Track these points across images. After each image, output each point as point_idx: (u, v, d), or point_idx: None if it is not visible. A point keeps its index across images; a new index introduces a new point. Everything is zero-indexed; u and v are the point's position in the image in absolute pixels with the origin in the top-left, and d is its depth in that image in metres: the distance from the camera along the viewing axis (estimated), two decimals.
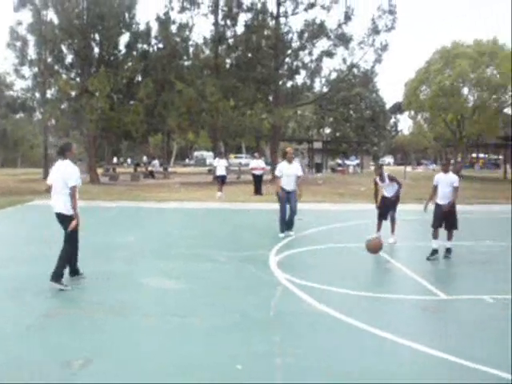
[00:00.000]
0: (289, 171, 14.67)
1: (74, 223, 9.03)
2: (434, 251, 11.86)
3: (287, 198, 14.74)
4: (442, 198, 11.93)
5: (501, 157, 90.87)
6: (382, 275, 10.85)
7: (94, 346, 6.43)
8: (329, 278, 9.91)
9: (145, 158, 56.30)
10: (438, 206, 12.04)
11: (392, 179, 13.79)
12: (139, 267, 10.77)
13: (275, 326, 7.25)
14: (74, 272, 9.64)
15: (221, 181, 27.36)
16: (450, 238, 12.12)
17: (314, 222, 17.60)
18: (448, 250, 12.06)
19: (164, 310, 7.88)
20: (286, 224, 14.86)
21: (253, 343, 6.58)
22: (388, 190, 13.84)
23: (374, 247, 11.59)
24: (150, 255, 12.06)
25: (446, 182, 11.99)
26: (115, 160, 74.86)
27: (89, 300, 8.40)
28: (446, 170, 12.24)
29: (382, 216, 13.96)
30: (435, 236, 11.99)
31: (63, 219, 9.14)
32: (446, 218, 11.94)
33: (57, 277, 8.90)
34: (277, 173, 15.04)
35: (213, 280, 9.81)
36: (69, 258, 9.29)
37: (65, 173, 9.12)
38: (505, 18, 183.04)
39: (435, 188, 12.20)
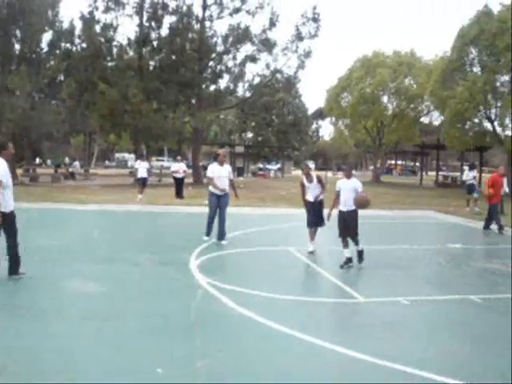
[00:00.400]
0: (220, 173, 14.53)
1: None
2: (348, 260, 11.66)
3: (217, 203, 14.54)
4: (345, 205, 11.81)
5: (417, 164, 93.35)
6: (302, 279, 11.04)
7: (10, 352, 6.30)
8: (249, 281, 10.03)
9: (67, 159, 55.37)
10: (341, 213, 11.92)
11: (320, 181, 13.59)
12: (58, 270, 10.60)
13: (196, 329, 7.29)
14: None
15: (142, 183, 27.20)
16: (356, 243, 11.90)
17: (234, 226, 17.62)
18: (360, 254, 11.87)
19: (84, 314, 7.78)
20: (218, 234, 14.50)
21: (173, 347, 6.60)
22: (312, 193, 13.51)
23: (361, 202, 11.76)
24: (70, 258, 11.86)
25: (348, 188, 11.79)
26: (37, 161, 73.34)
27: (6, 303, 8.24)
28: (348, 176, 12.01)
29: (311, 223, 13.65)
30: (345, 245, 11.80)
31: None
32: (347, 224, 11.78)
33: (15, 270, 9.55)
34: (209, 174, 14.79)
35: (133, 283, 9.79)
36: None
37: None
38: (421, 31, 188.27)
39: (338, 194, 11.97)
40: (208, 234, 14.64)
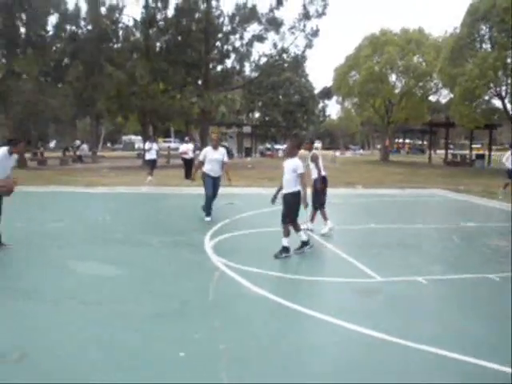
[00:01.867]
0: (213, 156, 14.55)
1: None
2: (284, 249, 10.45)
3: (213, 184, 14.72)
4: (285, 187, 10.64)
5: (425, 142, 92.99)
6: (318, 259, 10.89)
7: (29, 338, 6.21)
8: (264, 262, 9.92)
9: (78, 142, 55.23)
10: (283, 196, 10.80)
11: (313, 160, 13.10)
12: (72, 253, 10.52)
13: (215, 311, 7.21)
14: None
15: (151, 165, 27.10)
16: (296, 229, 10.77)
17: (245, 206, 17.64)
18: (302, 244, 10.78)
19: (100, 298, 7.70)
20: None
21: (193, 330, 6.51)
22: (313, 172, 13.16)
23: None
24: (83, 241, 11.80)
25: (288, 168, 10.56)
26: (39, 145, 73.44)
27: (22, 288, 8.11)
28: (289, 155, 10.73)
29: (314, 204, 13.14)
30: (285, 232, 10.50)
31: None
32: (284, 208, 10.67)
33: None
34: (200, 157, 14.99)
35: (148, 266, 9.69)
36: None
37: None
38: (430, 7, 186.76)
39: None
40: (209, 214, 14.73)
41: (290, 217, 10.51)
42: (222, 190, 21.84)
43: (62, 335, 6.33)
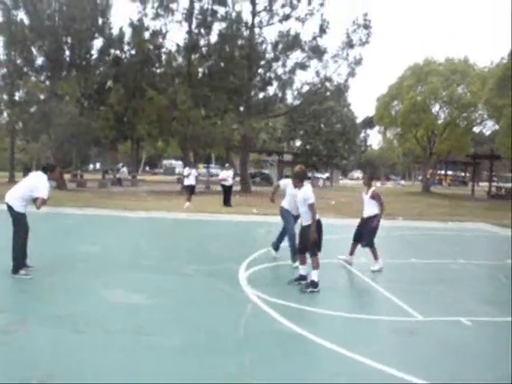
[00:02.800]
0: (293, 191, 11.42)
1: None
2: (301, 277, 10.42)
3: (292, 219, 12.39)
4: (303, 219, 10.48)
5: (468, 174, 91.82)
6: (356, 294, 10.48)
7: (55, 365, 5.99)
8: (301, 296, 9.55)
9: (120, 165, 55.50)
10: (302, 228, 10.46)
11: (373, 197, 12.48)
12: (103, 279, 10.28)
13: (245, 347, 6.86)
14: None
15: (190, 191, 26.94)
16: (303, 261, 10.52)
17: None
18: (313, 284, 10.03)
19: (127, 327, 7.43)
20: (276, 241, 13.17)
21: (222, 366, 6.17)
22: (365, 207, 12.66)
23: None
24: (114, 267, 11.56)
25: (299, 198, 10.45)
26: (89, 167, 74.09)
27: (48, 314, 7.90)
28: (296, 185, 10.62)
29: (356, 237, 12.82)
30: (315, 266, 10.09)
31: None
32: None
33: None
34: (280, 183, 13.07)
35: (179, 295, 9.39)
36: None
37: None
38: (476, 37, 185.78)
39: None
40: (294, 259, 12.01)
41: (310, 249, 10.20)
42: (258, 218, 21.56)
43: (84, 365, 6.09)
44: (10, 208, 10.15)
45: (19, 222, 10.16)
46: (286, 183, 12.40)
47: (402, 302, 9.31)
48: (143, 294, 9.22)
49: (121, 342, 6.89)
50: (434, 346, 7.22)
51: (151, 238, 16.34)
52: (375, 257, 12.40)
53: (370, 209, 12.50)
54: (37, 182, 10.14)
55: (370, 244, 12.48)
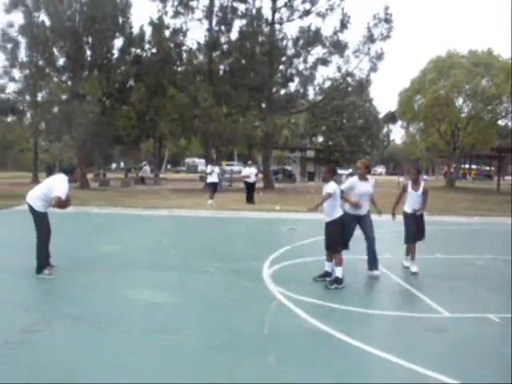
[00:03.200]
0: (362, 188, 10.97)
1: None
2: (338, 280, 9.93)
3: (353, 225, 10.96)
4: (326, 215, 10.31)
5: (493, 168, 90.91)
6: (381, 291, 10.32)
7: (78, 366, 5.94)
8: (325, 292, 9.44)
9: (144, 163, 55.52)
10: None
11: (425, 193, 11.78)
12: (126, 278, 10.28)
13: (270, 345, 6.76)
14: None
15: (213, 188, 26.89)
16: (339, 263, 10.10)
17: (307, 232, 17.09)
18: (337, 281, 9.95)
19: (151, 327, 7.36)
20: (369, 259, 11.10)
21: (248, 365, 6.10)
22: (411, 203, 11.77)
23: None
24: (137, 265, 11.52)
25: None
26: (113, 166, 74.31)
27: (71, 314, 7.86)
28: (325, 180, 10.47)
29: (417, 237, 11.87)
30: (337, 262, 10.05)
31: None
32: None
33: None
34: (344, 187, 10.94)
35: (203, 293, 9.32)
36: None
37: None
38: (500, 29, 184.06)
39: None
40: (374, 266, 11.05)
41: (327, 244, 10.24)
42: (282, 215, 21.43)
43: (106, 364, 6.03)
44: (30, 207, 10.23)
45: (40, 221, 10.22)
46: (352, 183, 11.00)
47: (428, 298, 9.15)
48: (167, 293, 9.17)
49: (145, 341, 6.82)
50: (462, 344, 7.08)
51: (174, 237, 16.28)
52: (413, 256, 11.68)
53: (419, 204, 11.74)
54: (55, 183, 10.22)
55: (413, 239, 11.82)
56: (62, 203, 10.07)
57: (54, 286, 9.60)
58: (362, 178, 11.09)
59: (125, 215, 21.68)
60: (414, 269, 11.51)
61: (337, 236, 10.05)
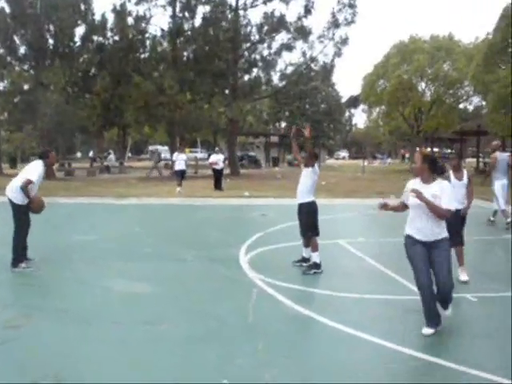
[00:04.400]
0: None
1: None
2: (316, 265, 10.00)
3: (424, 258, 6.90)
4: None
5: (453, 151, 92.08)
6: (358, 274, 10.38)
7: (64, 361, 5.86)
8: (304, 278, 9.51)
9: (110, 152, 55.06)
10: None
11: (470, 181, 10.04)
12: (103, 269, 10.19)
13: (256, 332, 6.80)
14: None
15: (180, 175, 26.81)
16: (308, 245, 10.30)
17: (278, 218, 17.14)
18: (315, 266, 10.01)
19: (134, 318, 7.33)
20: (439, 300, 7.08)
21: (235, 353, 6.11)
22: (457, 196, 9.17)
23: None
24: (114, 256, 11.46)
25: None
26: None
27: (53, 307, 7.79)
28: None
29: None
30: (313, 248, 10.07)
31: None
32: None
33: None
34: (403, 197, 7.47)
35: (183, 282, 9.32)
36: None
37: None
38: (461, 13, 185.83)
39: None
40: (430, 322, 6.99)
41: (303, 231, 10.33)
42: (251, 201, 21.46)
43: (94, 357, 5.99)
44: (10, 201, 10.03)
45: (20, 214, 10.01)
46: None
47: (405, 280, 9.21)
48: (147, 283, 9.14)
49: (132, 332, 6.79)
50: (442, 324, 7.19)
51: (146, 225, 16.20)
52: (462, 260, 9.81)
53: (463, 197, 9.87)
54: (28, 168, 10.16)
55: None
56: (29, 193, 9.81)
57: (31, 279, 9.44)
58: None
59: (94, 205, 21.52)
60: (464, 277, 9.55)
61: (307, 221, 10.14)
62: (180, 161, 27.09)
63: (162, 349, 6.24)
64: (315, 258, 9.97)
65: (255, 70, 45.20)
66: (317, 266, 9.93)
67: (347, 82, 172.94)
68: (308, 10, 41.44)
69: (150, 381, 5.39)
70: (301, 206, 10.27)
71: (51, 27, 39.75)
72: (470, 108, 64.72)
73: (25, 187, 9.72)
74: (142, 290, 8.75)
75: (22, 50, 40.73)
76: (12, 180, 10.27)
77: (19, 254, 9.98)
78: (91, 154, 58.82)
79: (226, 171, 35.27)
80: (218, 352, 6.15)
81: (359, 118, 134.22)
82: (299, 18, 41.68)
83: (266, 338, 6.57)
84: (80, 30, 41.47)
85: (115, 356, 6.03)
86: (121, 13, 41.01)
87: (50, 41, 40.37)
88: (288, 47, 42.70)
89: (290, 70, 45.17)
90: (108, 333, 6.79)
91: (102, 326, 7.03)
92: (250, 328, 7.00)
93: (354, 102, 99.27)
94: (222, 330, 6.91)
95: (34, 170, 10.03)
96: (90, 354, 6.10)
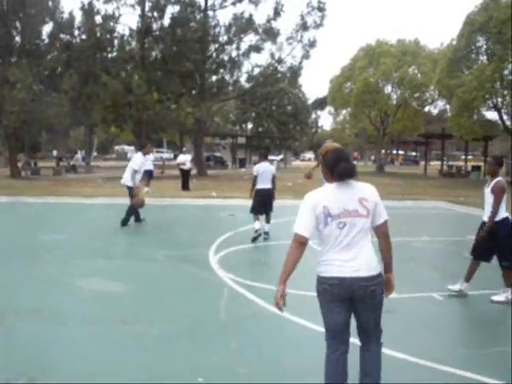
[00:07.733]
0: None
1: None
2: (257, 231, 13.31)
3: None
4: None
5: (418, 154, 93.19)
6: None
7: (37, 363, 5.84)
8: (273, 277, 9.62)
9: (78, 152, 54.67)
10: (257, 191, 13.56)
11: (494, 191, 8.37)
12: (75, 268, 10.17)
13: (229, 331, 6.93)
14: None
15: (148, 176, 26.77)
16: (268, 221, 13.76)
17: (247, 218, 17.15)
18: (267, 233, 13.55)
19: (110, 317, 7.37)
20: None
21: (209, 352, 6.20)
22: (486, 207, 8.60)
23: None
24: (85, 255, 11.46)
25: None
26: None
27: (26, 307, 7.74)
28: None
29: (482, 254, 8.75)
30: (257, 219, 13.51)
31: None
32: (265, 203, 13.49)
33: None
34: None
35: (155, 282, 9.40)
36: None
37: None
38: (426, 19, 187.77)
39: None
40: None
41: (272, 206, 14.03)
42: (218, 201, 21.58)
43: (69, 358, 6.00)
44: None
45: None
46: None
47: None
48: (119, 282, 9.21)
49: (107, 332, 6.84)
50: (411, 322, 7.38)
51: (115, 225, 16.18)
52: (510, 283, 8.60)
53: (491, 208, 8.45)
54: None
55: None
56: None
57: (1, 279, 9.39)
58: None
59: (62, 204, 21.40)
60: (501, 297, 8.59)
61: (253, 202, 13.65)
62: (147, 161, 27.04)
63: (136, 348, 6.31)
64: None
65: (223, 71, 45.25)
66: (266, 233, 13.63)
67: (314, 84, 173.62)
68: (277, 12, 41.64)
69: (124, 380, 5.42)
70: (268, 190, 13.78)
71: (18, 24, 39.32)
72: (435, 111, 65.46)
73: None
74: (114, 289, 8.82)
75: None
76: None
77: None
78: (55, 153, 58.33)
79: (193, 172, 35.30)
80: (192, 350, 6.24)
81: (325, 120, 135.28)
82: (268, 20, 41.87)
83: (239, 336, 6.71)
84: (47, 28, 41.12)
85: (89, 356, 6.06)
86: (89, 11, 40.61)
87: (17, 38, 39.89)
88: (256, 48, 42.83)
89: (257, 71, 45.39)
90: (85, 333, 6.81)
91: (78, 325, 7.04)
92: (223, 326, 7.11)
93: (320, 103, 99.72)
94: (196, 328, 7.01)
95: None
96: (64, 353, 6.12)
